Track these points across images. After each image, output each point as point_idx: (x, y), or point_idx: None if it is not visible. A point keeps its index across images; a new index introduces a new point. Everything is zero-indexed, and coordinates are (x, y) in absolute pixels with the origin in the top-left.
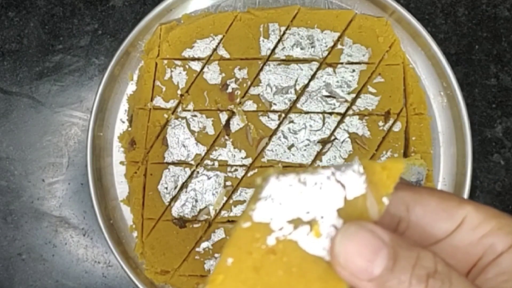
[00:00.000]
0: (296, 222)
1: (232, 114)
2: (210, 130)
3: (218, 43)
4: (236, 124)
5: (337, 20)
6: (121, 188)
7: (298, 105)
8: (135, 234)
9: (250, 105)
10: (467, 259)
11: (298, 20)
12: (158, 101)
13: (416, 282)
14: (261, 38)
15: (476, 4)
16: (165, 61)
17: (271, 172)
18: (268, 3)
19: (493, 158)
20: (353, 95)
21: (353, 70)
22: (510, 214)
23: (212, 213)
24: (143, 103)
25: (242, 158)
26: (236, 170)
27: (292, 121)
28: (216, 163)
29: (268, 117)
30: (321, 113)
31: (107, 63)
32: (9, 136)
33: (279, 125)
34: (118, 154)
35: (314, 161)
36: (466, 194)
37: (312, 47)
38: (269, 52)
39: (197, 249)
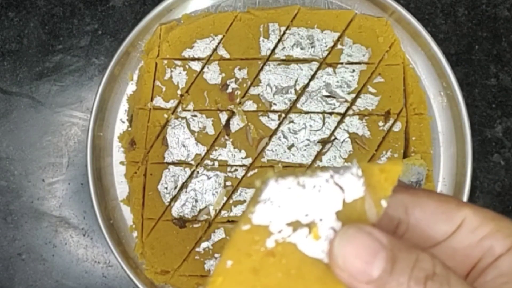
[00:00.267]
0: (295, 225)
1: (232, 114)
2: (210, 130)
3: (218, 43)
4: (236, 124)
5: (337, 20)
6: (121, 188)
7: (298, 105)
8: (135, 234)
9: (250, 105)
10: (466, 261)
11: (298, 20)
12: (158, 101)
13: (415, 284)
14: (261, 38)
15: (476, 4)
16: (165, 61)
17: (270, 175)
18: (268, 3)
19: (493, 158)
20: (353, 95)
21: (353, 70)
22: (509, 215)
23: (212, 213)
24: (143, 103)
25: (242, 158)
26: (236, 170)
27: (292, 121)
28: (216, 163)
29: (268, 117)
30: (321, 113)
31: (107, 63)
32: (9, 136)
33: (279, 125)
34: (118, 154)
35: (314, 161)
36: (466, 194)
37: (312, 47)
38: (269, 52)
39: (197, 249)
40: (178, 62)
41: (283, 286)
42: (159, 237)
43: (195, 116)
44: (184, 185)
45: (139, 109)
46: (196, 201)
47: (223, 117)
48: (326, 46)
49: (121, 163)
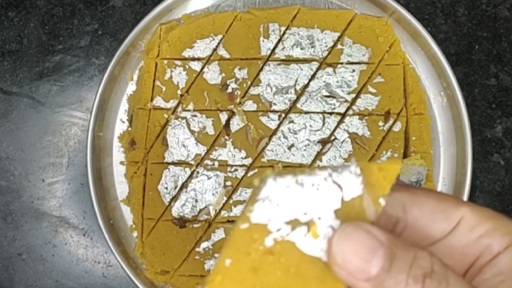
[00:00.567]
0: (294, 223)
1: (232, 114)
2: (210, 130)
3: (218, 43)
4: (236, 124)
5: (337, 20)
6: (121, 188)
7: (298, 105)
8: (135, 234)
9: (250, 105)
10: (464, 260)
11: (298, 20)
12: (158, 101)
13: (413, 282)
14: (261, 38)
15: (476, 4)
16: (165, 61)
17: (269, 174)
18: (268, 3)
19: (493, 158)
20: (353, 95)
21: (353, 70)
22: (509, 215)
23: (212, 213)
24: (143, 103)
25: (242, 158)
26: (236, 170)
27: (292, 121)
28: (216, 163)
29: (268, 117)
30: (321, 113)
31: (107, 63)
32: (9, 136)
33: (279, 125)
34: (118, 154)
35: (314, 161)
36: (466, 194)
37: (312, 47)
38: (269, 52)
39: (197, 249)
40: (178, 62)
41: (282, 284)
42: (159, 237)
43: (195, 116)
44: (184, 185)
45: (139, 109)
46: (196, 201)
47: (223, 117)
48: (326, 46)
49: (121, 163)
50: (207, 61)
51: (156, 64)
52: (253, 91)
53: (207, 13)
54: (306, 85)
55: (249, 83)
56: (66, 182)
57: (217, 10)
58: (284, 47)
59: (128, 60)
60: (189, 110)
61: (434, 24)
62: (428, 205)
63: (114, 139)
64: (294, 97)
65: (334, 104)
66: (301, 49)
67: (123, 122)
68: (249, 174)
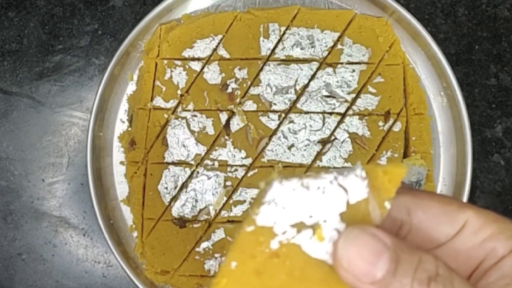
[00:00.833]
0: (299, 226)
1: (232, 114)
2: (210, 130)
3: (218, 43)
4: (236, 124)
5: (337, 20)
6: (121, 188)
7: (298, 105)
8: (135, 234)
9: (250, 105)
10: (469, 263)
11: (298, 20)
12: (158, 101)
13: (418, 285)
14: (261, 38)
15: (476, 4)
16: (165, 61)
17: (274, 177)
18: (268, 3)
19: (493, 158)
20: (353, 95)
21: (353, 70)
22: (509, 215)
23: (212, 213)
24: (143, 103)
25: (242, 158)
26: (236, 170)
27: (292, 121)
28: (216, 163)
29: (268, 117)
30: (321, 113)
31: (107, 63)
32: (9, 136)
33: (279, 125)
34: (118, 154)
35: (314, 161)
36: (466, 194)
37: (312, 47)
38: (269, 52)
39: (197, 249)
40: (178, 62)
41: (287, 287)
42: (159, 237)
43: (195, 116)
44: (184, 185)
45: (139, 109)
46: (196, 201)
47: (223, 117)
48: (326, 46)
49: (121, 163)
50: (207, 61)
51: (156, 64)
52: (253, 91)
53: (207, 13)
54: (306, 85)
55: (249, 83)
56: (66, 182)
57: (217, 10)
58: (284, 47)
59: (128, 60)
60: (189, 110)
61: (434, 24)
62: (432, 208)
63: (114, 139)
64: (294, 97)
65: (334, 104)
66: (301, 49)
67: (123, 122)
68: (249, 174)
